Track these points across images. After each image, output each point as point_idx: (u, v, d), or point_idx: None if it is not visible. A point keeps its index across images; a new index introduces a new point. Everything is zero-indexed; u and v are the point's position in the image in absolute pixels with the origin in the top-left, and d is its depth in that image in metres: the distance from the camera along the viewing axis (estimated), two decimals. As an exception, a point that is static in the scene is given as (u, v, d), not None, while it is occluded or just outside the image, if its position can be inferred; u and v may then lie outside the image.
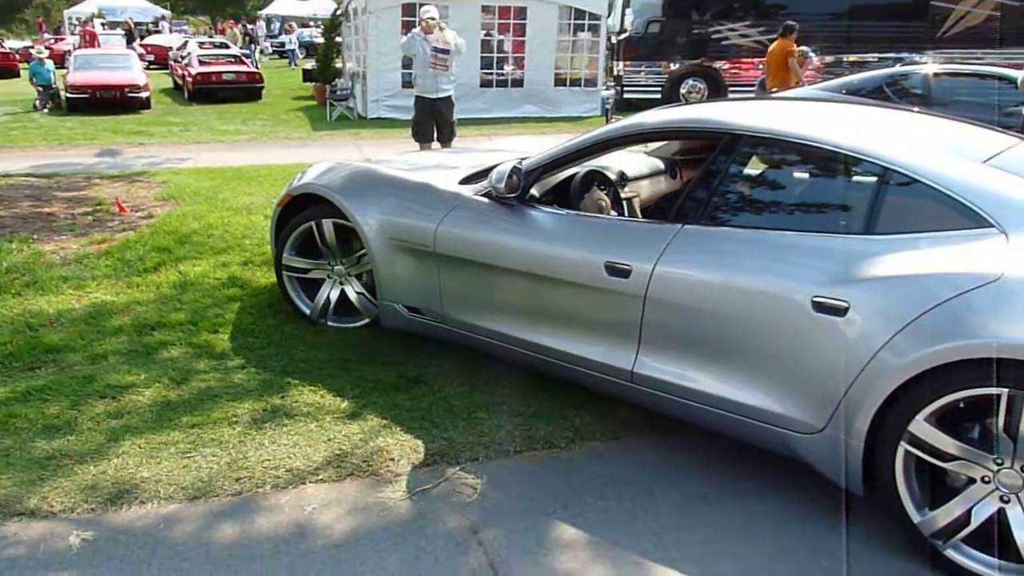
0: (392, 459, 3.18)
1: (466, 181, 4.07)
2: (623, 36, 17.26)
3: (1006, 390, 2.33)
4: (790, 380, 2.81)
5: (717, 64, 17.04)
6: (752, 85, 16.02)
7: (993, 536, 2.45)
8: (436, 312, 3.96)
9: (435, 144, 8.66)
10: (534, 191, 3.78)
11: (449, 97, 8.64)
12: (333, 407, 3.58)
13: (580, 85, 16.59)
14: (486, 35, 15.98)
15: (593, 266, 3.27)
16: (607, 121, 12.29)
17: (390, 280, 4.10)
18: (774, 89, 11.42)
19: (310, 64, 21.96)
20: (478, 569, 2.57)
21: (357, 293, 4.43)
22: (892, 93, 9.32)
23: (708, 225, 3.13)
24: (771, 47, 12.03)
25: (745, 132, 3.22)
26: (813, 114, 3.62)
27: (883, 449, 2.59)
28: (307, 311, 4.53)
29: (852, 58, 16.22)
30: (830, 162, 3.07)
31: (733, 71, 16.97)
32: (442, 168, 4.53)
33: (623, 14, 17.28)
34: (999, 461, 2.41)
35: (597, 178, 4.16)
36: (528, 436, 3.37)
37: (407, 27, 15.24)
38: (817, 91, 9.99)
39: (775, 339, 2.83)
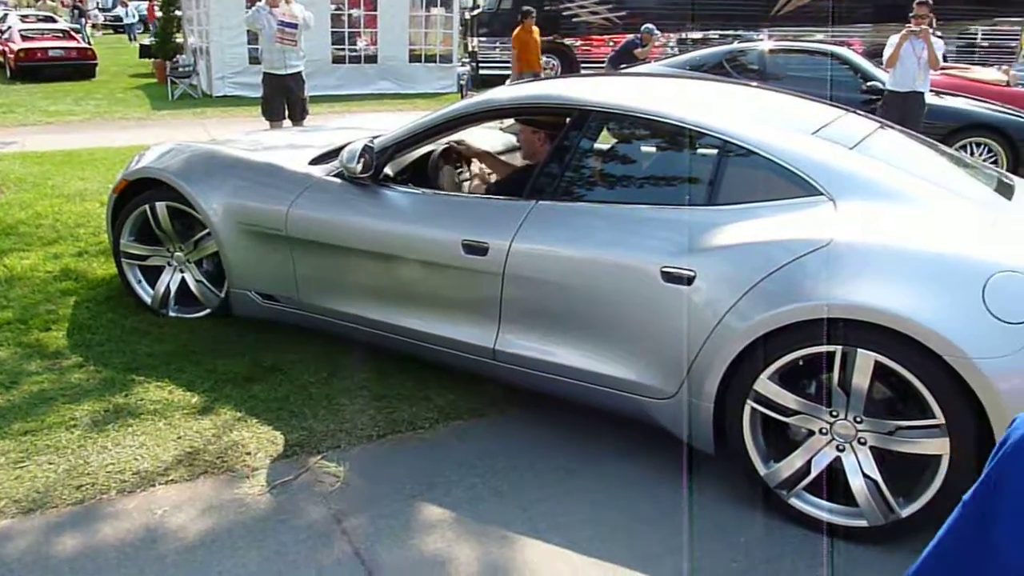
0: (248, 453, 3.05)
1: (317, 161, 3.94)
2: (476, 12, 17.23)
3: (840, 347, 2.49)
4: (644, 349, 2.90)
5: (569, 41, 17.29)
6: (602, 62, 16.40)
7: (831, 484, 2.64)
8: (292, 298, 3.83)
9: (286, 122, 8.36)
10: (388, 170, 3.70)
11: (299, 73, 8.34)
12: (182, 403, 3.40)
13: (435, 61, 16.45)
14: (336, 9, 15.53)
15: (450, 245, 3.25)
16: (462, 97, 12.25)
17: (240, 267, 3.93)
18: (522, 75, 11.79)
19: (148, 39, 20.67)
20: (343, 559, 2.51)
21: (197, 281, 4.23)
22: (732, 69, 9.75)
23: (561, 200, 3.17)
24: (514, 33, 12.34)
25: (594, 108, 3.26)
26: (659, 90, 3.73)
27: (732, 408, 2.72)
28: (148, 300, 4.30)
29: (695, 35, 16.85)
30: (675, 136, 3.17)
31: (585, 48, 17.30)
32: (291, 148, 4.36)
33: (475, -10, 17.23)
34: (835, 414, 2.58)
35: (452, 155, 4.12)
36: (391, 419, 3.33)
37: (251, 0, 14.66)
38: (662, 67, 10.32)
39: (628, 310, 2.91)
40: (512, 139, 4.65)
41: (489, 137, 4.52)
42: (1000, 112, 8.67)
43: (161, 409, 3.35)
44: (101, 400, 3.40)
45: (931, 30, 7.86)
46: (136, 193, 4.22)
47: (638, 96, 3.39)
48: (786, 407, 2.64)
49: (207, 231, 4.02)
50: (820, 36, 16.07)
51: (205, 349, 3.90)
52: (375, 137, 3.72)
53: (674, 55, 12.46)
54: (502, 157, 4.40)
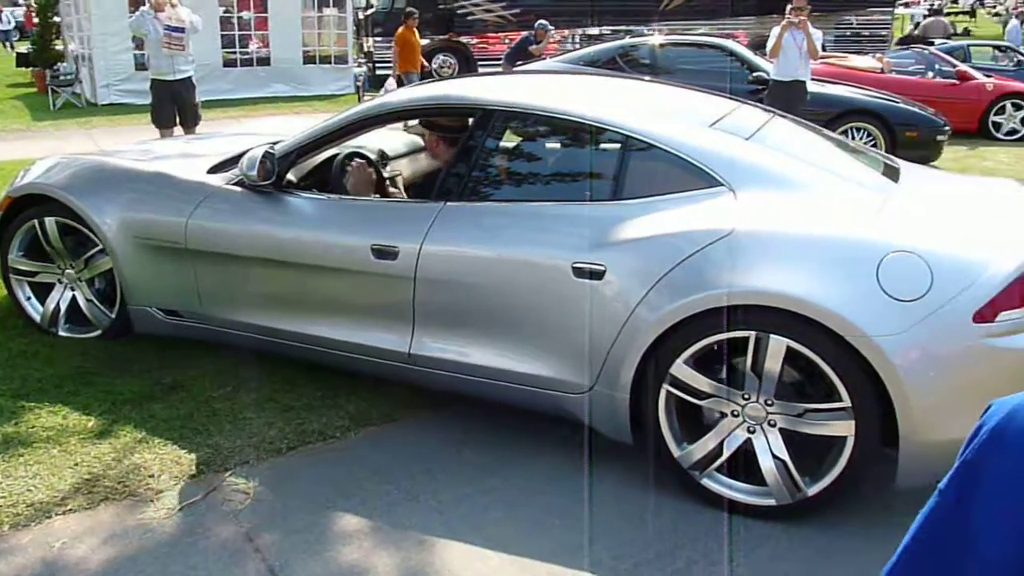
0: (152, 476, 2.94)
1: (216, 169, 3.81)
2: (370, 12, 17.02)
3: (753, 333, 2.58)
4: (558, 344, 2.92)
5: (465, 39, 17.28)
6: (499, 59, 16.46)
7: (741, 464, 2.73)
8: (196, 312, 3.70)
9: (178, 130, 8.07)
10: (291, 176, 3.62)
11: (189, 78, 8.05)
12: (78, 427, 3.25)
13: (331, 62, 16.16)
14: (225, 11, 15.05)
15: (359, 250, 3.20)
16: (359, 99, 12.07)
17: (139, 283, 3.77)
18: (401, 74, 11.87)
19: (25, 47, 19.57)
20: (257, 577, 2.45)
21: (87, 300, 4.04)
22: (624, 64, 9.94)
23: (470, 201, 3.17)
24: (396, 32, 12.44)
25: (498, 107, 3.27)
26: (560, 87, 3.77)
27: (647, 396, 2.78)
28: (37, 318, 4.09)
29: (588, 31, 17.10)
30: (578, 133, 3.22)
31: (481, 46, 17.30)
32: (186, 157, 4.21)
33: (368, -10, 17.02)
34: (746, 396, 2.68)
35: (356, 159, 4.06)
36: (301, 430, 3.26)
37: (135, 4, 14.05)
38: (558, 63, 10.44)
39: (542, 307, 2.93)
40: (417, 140, 4.62)
41: (393, 139, 4.47)
42: (877, 98, 9.13)
43: (55, 436, 3.19)
44: (-12, 431, 3.21)
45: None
46: (24, 210, 4.00)
47: (540, 94, 3.42)
48: (700, 390, 2.72)
49: (99, 248, 3.84)
50: (704, 29, 16.52)
51: (100, 370, 3.73)
52: (275, 143, 3.62)
53: (572, 50, 12.63)
54: (407, 159, 4.36)
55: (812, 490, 2.65)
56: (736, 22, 17.56)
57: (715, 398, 2.72)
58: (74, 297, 4.07)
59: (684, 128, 3.07)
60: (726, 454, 2.73)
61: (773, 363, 2.59)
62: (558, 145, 3.42)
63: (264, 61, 15.51)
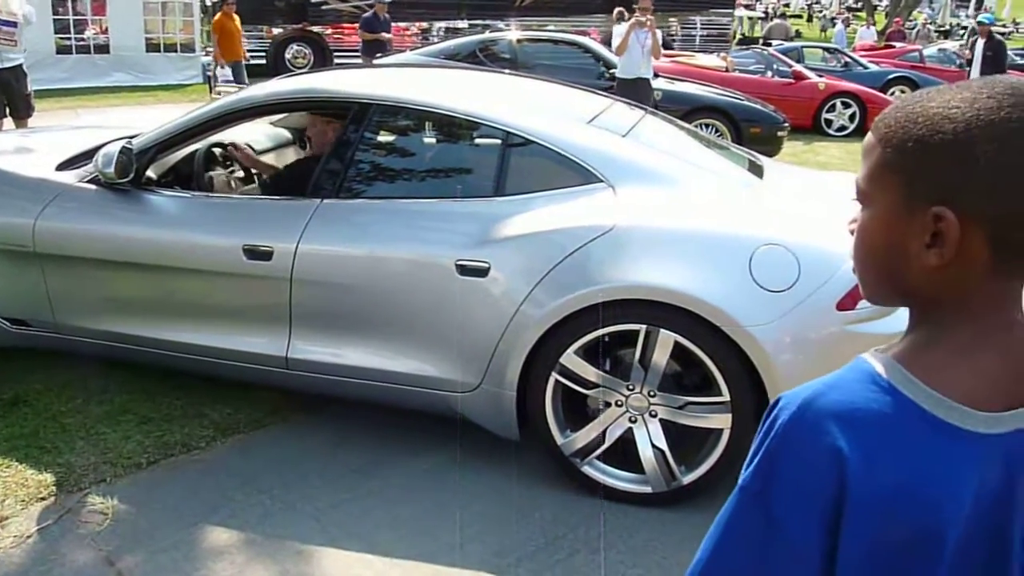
0: (-6, 501, 2.70)
1: (65, 166, 3.51)
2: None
3: (644, 326, 2.64)
4: (443, 343, 2.89)
5: (319, 29, 16.84)
6: (356, 50, 16.16)
7: (620, 453, 2.80)
8: (47, 321, 3.39)
9: (8, 122, 7.43)
10: (150, 173, 3.40)
11: (19, 66, 7.42)
12: (-96, 453, 2.94)
13: (176, 51, 15.35)
14: (56, -7, 14.02)
15: (230, 251, 3.04)
16: (211, 88, 11.51)
17: None
18: (221, 63, 11.66)
19: None
20: (121, 602, 2.30)
21: None
22: (485, 58, 10.01)
23: (347, 198, 3.08)
24: (214, 19, 12.21)
25: (374, 101, 3.18)
26: (436, 81, 3.72)
27: (534, 388, 2.79)
28: None
29: (445, 25, 17.07)
30: (458, 128, 3.21)
31: (336, 36, 16.90)
32: (28, 152, 3.89)
33: (216, -26, 16.25)
34: (631, 387, 2.74)
35: (219, 154, 3.85)
36: (162, 443, 3.09)
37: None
38: (418, 56, 10.37)
39: (425, 306, 2.89)
40: (284, 134, 4.45)
41: (261, 133, 4.28)
42: (723, 96, 9.61)
43: None
44: None
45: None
46: None
47: (417, 88, 3.37)
48: (587, 380, 2.76)
49: None
50: (552, 26, 16.84)
51: (-73, 388, 3.39)
52: (132, 137, 3.39)
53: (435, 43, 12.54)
54: (273, 154, 4.19)
55: (687, 479, 2.75)
56: (588, 19, 18.00)
57: (601, 388, 2.77)
58: None
59: (563, 124, 3.09)
60: (608, 443, 2.79)
61: (660, 356, 2.66)
62: (437, 141, 3.38)
63: (103, 48, 14.55)
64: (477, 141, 3.18)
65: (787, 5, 42.19)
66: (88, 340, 3.36)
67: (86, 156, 3.51)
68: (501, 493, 2.87)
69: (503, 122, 3.04)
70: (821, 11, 41.05)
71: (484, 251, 2.81)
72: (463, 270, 2.82)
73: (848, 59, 15.01)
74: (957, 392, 0.73)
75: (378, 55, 11.32)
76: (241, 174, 3.98)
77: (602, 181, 2.88)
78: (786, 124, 9.41)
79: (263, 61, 16.17)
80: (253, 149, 3.96)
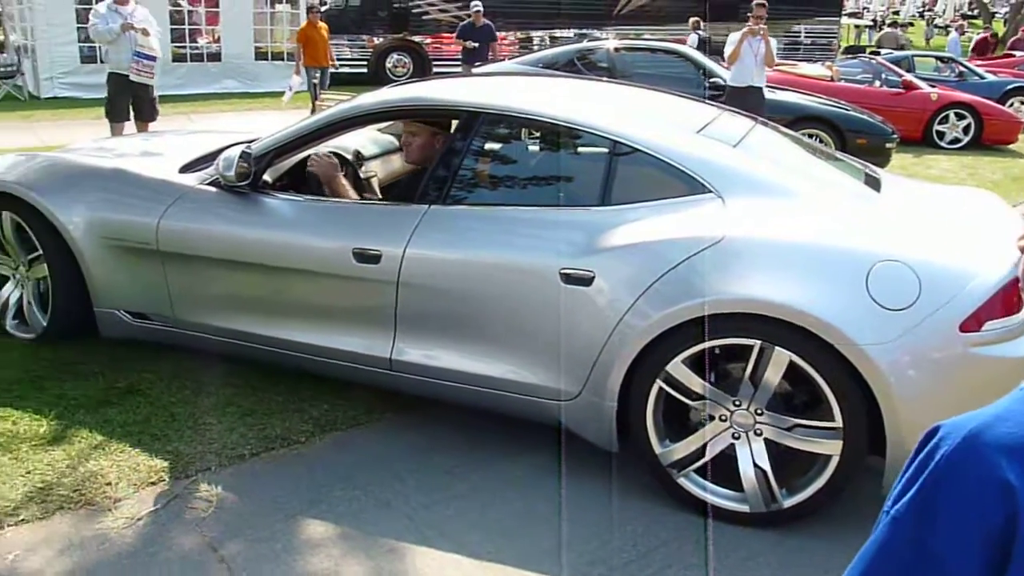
0: (109, 484, 2.84)
1: (187, 169, 3.68)
2: (324, 8, 16.78)
3: (759, 342, 2.56)
4: (545, 351, 2.87)
5: (419, 38, 17.17)
6: (454, 59, 16.40)
7: (720, 468, 2.72)
8: (166, 316, 3.55)
9: (130, 126, 7.85)
10: (267, 177, 3.49)
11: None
12: (30, 433, 3.12)
13: (283, 59, 15.91)
14: (174, 5, 14.74)
15: (340, 254, 3.11)
16: (313, 97, 11.86)
17: (106, 285, 3.62)
18: (310, 70, 11.68)
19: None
20: (223, 588, 2.38)
21: (28, 303, 3.91)
22: (582, 66, 9.98)
23: (454, 204, 3.11)
24: (299, 29, 12.31)
25: (482, 110, 3.20)
26: (543, 90, 3.73)
27: (635, 397, 2.74)
28: None
29: (542, 34, 17.15)
30: (563, 137, 3.19)
31: (435, 45, 17.21)
32: (152, 155, 4.08)
33: (324, -14, 16.79)
34: (738, 403, 2.66)
35: (332, 160, 3.94)
36: (263, 435, 3.18)
37: (78, -6, 13.66)
38: (516, 65, 10.44)
39: (528, 313, 2.88)
40: (391, 140, 4.51)
41: (370, 139, 4.35)
42: (828, 105, 9.32)
43: (5, 442, 3.05)
44: (-69, 438, 3.07)
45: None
46: None
47: (525, 97, 3.37)
48: (692, 391, 2.69)
49: (40, 253, 3.74)
50: (649, 34, 16.68)
51: (51, 373, 3.60)
52: (250, 142, 3.51)
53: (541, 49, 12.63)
54: (381, 160, 4.25)
55: (788, 502, 2.66)
56: (687, 28, 17.78)
57: (706, 400, 2.70)
58: (22, 295, 3.94)
59: (672, 133, 3.05)
60: (708, 457, 2.72)
61: (772, 374, 2.57)
62: (543, 149, 3.38)
63: (215, 57, 15.22)
64: (583, 150, 3.17)
65: (897, 13, 40.69)
66: (202, 335, 3.50)
67: (206, 159, 3.67)
68: (593, 501, 2.85)
69: (610, 131, 3.02)
70: (933, 18, 39.41)
71: (589, 260, 2.79)
72: (567, 278, 2.80)
73: (963, 68, 14.32)
74: None
75: (477, 63, 11.45)
76: (350, 179, 4.07)
77: (711, 192, 2.83)
78: (895, 136, 9.06)
79: (364, 70, 16.61)
80: (361, 155, 4.03)
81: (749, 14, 8.39)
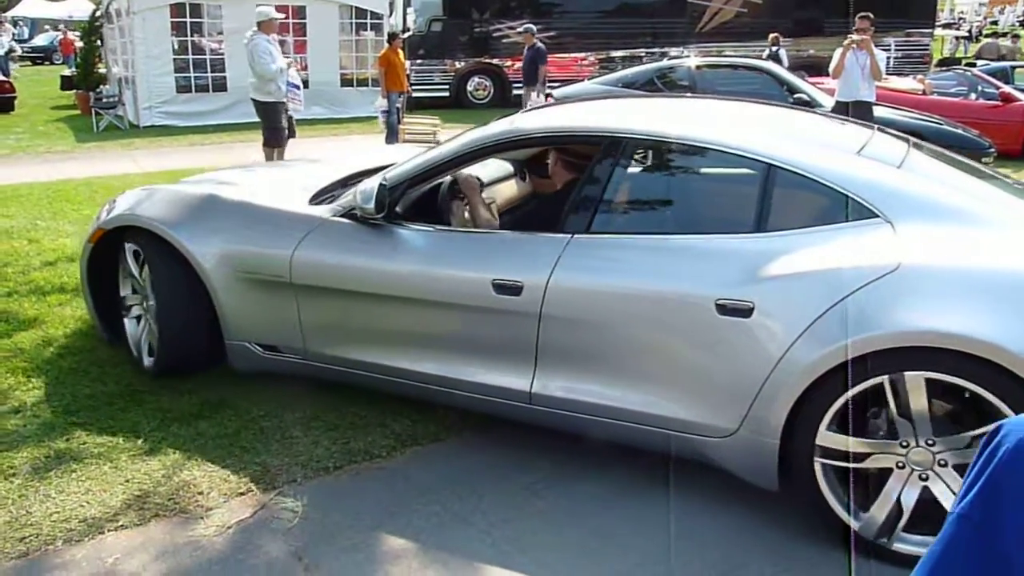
0: (201, 493, 2.96)
1: (316, 199, 3.68)
2: (406, 35, 17.22)
3: (886, 376, 2.42)
4: (699, 386, 2.76)
5: (498, 61, 17.42)
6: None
7: (925, 514, 2.51)
8: (297, 348, 3.53)
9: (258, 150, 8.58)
10: (398, 207, 3.44)
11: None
12: (128, 444, 3.28)
13: (368, 85, 16.37)
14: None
15: (479, 285, 3.04)
16: (397, 120, 12.11)
17: (238, 317, 3.61)
18: (390, 95, 11.67)
19: (68, 71, 20.07)
20: (307, 596, 2.45)
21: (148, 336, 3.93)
22: (663, 85, 9.96)
23: (599, 233, 3.00)
24: (380, 54, 12.35)
25: (627, 136, 3.11)
26: (687, 113, 3.63)
27: (799, 449, 2.60)
28: (147, 364, 3.92)
29: (622, 53, 17.15)
30: (715, 162, 3.09)
31: (515, 68, 17.41)
32: (276, 186, 4.08)
33: (405, 13, 17.24)
34: (905, 444, 2.48)
35: (456, 187, 3.81)
36: (347, 449, 3.26)
37: (177, 28, 14.39)
38: (595, 85, 10.48)
39: (681, 346, 2.76)
40: (507, 165, 4.40)
41: (487, 165, 4.15)
42: (917, 119, 9.03)
43: (106, 452, 3.22)
44: (41, 446, 3.25)
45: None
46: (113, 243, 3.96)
47: (671, 121, 3.27)
48: (854, 453, 2.53)
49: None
50: (730, 51, 16.47)
51: (149, 388, 3.78)
52: (382, 169, 3.49)
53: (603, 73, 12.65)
54: (500, 186, 4.16)
55: None
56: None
57: (873, 455, 2.52)
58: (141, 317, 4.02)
59: (831, 156, 2.91)
60: (907, 512, 2.51)
61: (917, 400, 2.42)
62: (692, 174, 3.27)
63: (303, 84, 15.75)
64: (736, 174, 3.04)
65: (995, 23, 39.10)
66: (333, 368, 3.48)
67: (333, 189, 3.74)
68: (666, 524, 2.81)
69: (765, 154, 2.89)
70: (1031, 28, 37.71)
71: (747, 290, 2.65)
72: (723, 309, 2.67)
73: (1066, 79, 13.65)
74: None
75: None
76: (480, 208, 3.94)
77: (878, 216, 2.68)
78: (992, 149, 8.72)
79: (446, 94, 16.93)
80: (481, 182, 3.93)
81: (853, 27, 8.21)
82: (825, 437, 2.53)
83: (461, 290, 3.12)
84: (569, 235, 3.01)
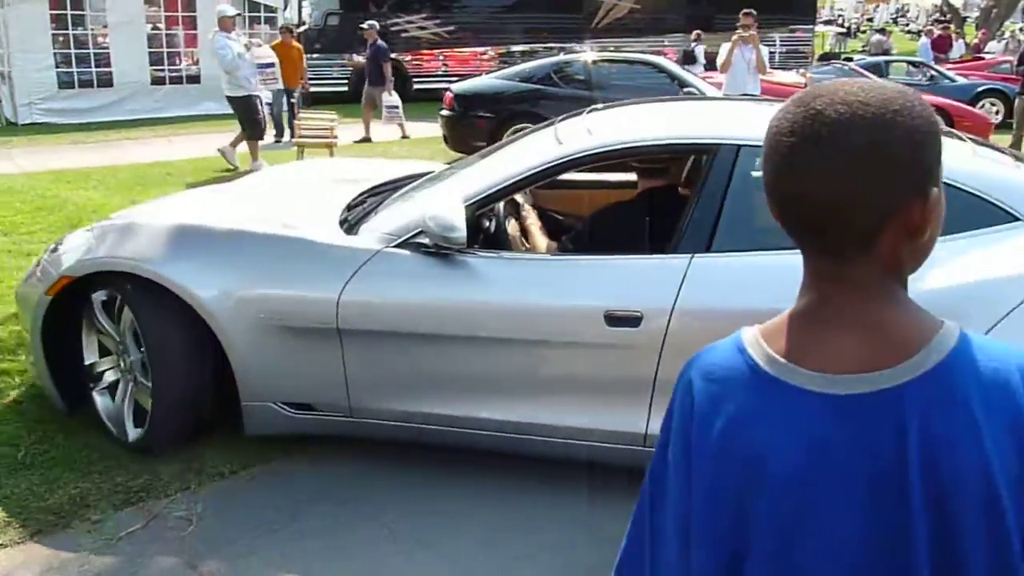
0: (88, 505, 2.85)
1: (349, 227, 3.15)
2: (302, 29, 16.88)
3: None
4: None
5: (398, 55, 17.27)
6: (435, 76, 16.52)
7: None
8: (339, 405, 3.01)
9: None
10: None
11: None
12: (6, 457, 3.13)
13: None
14: (153, 28, 14.78)
15: (588, 318, 2.71)
16: (292, 116, 11.77)
17: (260, 373, 3.02)
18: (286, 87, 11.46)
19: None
20: (202, 604, 2.40)
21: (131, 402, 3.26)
22: (560, 80, 10.10)
23: (724, 253, 2.73)
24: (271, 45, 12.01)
25: (745, 143, 2.82)
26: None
27: None
28: (131, 435, 3.21)
29: (521, 48, 17.28)
30: None
31: (415, 63, 17.33)
32: (281, 208, 3.53)
33: (300, 6, 16.90)
34: None
35: (511, 209, 3.46)
36: (241, 454, 3.20)
37: (57, 21, 13.69)
38: (493, 79, 10.54)
39: None
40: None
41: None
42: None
43: (-17, 468, 3.07)
44: (-90, 465, 3.08)
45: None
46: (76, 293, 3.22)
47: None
48: None
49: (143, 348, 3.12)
50: (628, 46, 16.86)
51: (27, 398, 3.61)
52: (459, 192, 3.01)
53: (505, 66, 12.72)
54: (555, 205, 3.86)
55: None
56: (664, 39, 17.99)
57: None
58: (117, 382, 3.32)
59: (961, 158, 2.78)
60: None
61: None
62: None
63: (194, 79, 15.25)
64: None
65: (871, 20, 41.19)
66: (388, 423, 3.03)
67: (360, 209, 3.36)
68: (575, 508, 2.88)
69: None
70: (907, 24, 39.93)
71: None
72: None
73: (934, 72, 14.56)
74: (795, 354, 0.85)
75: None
76: (542, 229, 3.59)
77: (1020, 219, 2.59)
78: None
79: (344, 88, 16.69)
80: (517, 202, 3.58)
81: (737, 24, 8.52)
82: None
83: (565, 325, 2.78)
84: (688, 256, 2.73)
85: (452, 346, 2.90)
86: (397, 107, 11.27)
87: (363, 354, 2.94)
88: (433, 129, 10.83)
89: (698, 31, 15.40)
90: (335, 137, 9.37)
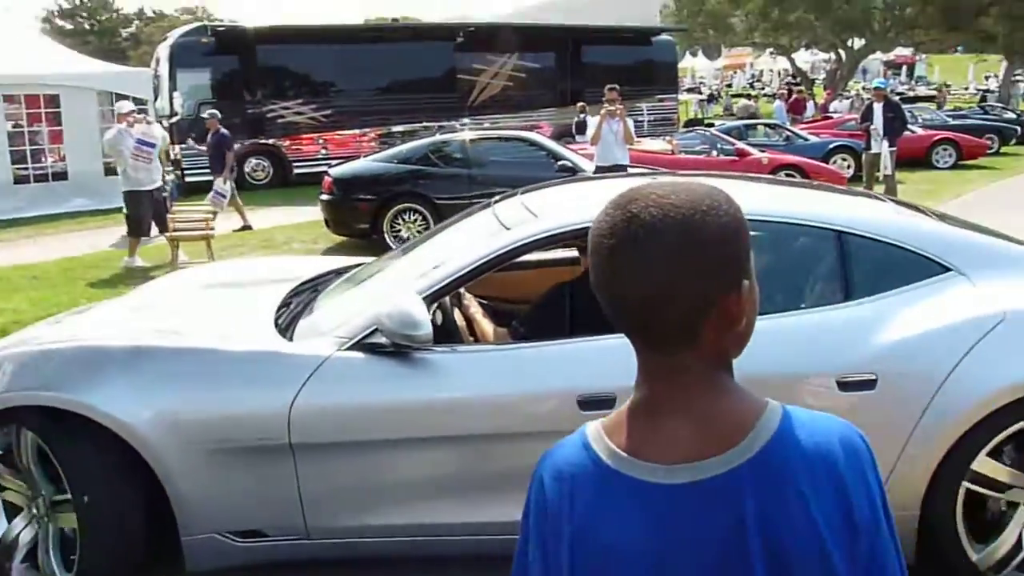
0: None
1: (287, 331, 3.00)
2: (175, 120, 16.62)
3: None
4: None
5: (275, 141, 17.22)
6: (314, 159, 16.52)
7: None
8: (294, 527, 2.80)
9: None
10: None
11: (161, 187, 9.20)
12: None
13: (135, 173, 15.56)
14: (14, 126, 14.25)
15: (560, 404, 2.63)
16: (168, 207, 11.45)
17: (201, 502, 2.78)
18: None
19: None
20: None
21: (46, 551, 2.95)
22: (438, 159, 10.30)
23: None
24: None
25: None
26: (759, 191, 3.55)
27: (940, 504, 2.60)
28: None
29: (400, 128, 17.56)
30: (792, 235, 2.96)
31: (295, 147, 17.29)
32: (200, 317, 3.38)
33: (171, 97, 16.67)
34: None
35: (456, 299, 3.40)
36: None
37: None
38: (371, 163, 10.64)
39: None
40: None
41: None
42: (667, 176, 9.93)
43: None
44: None
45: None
46: None
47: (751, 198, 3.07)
48: (1000, 482, 2.59)
49: (68, 496, 2.85)
50: (504, 122, 17.42)
51: None
52: (411, 285, 2.89)
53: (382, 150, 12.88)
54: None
55: None
56: (539, 113, 18.66)
57: (1015, 488, 2.58)
58: (37, 536, 2.98)
59: (895, 217, 3.03)
60: None
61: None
62: (776, 251, 3.06)
63: (61, 175, 14.71)
64: (816, 247, 2.94)
65: (729, 86, 43.98)
66: (348, 540, 2.83)
67: (293, 312, 3.22)
68: None
69: (835, 222, 2.85)
70: (763, 88, 42.80)
71: (866, 362, 2.59)
72: (844, 386, 2.57)
73: (789, 133, 15.63)
74: (634, 446, 0.88)
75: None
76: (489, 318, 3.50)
77: (951, 270, 2.73)
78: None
79: (222, 176, 16.43)
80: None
81: (603, 99, 8.99)
82: (982, 463, 2.58)
83: (538, 416, 2.68)
84: None
85: (418, 449, 2.78)
86: (224, 196, 10.67)
87: (320, 468, 2.75)
88: (315, 213, 10.79)
89: (582, 103, 16.28)
90: (211, 229, 9.12)
